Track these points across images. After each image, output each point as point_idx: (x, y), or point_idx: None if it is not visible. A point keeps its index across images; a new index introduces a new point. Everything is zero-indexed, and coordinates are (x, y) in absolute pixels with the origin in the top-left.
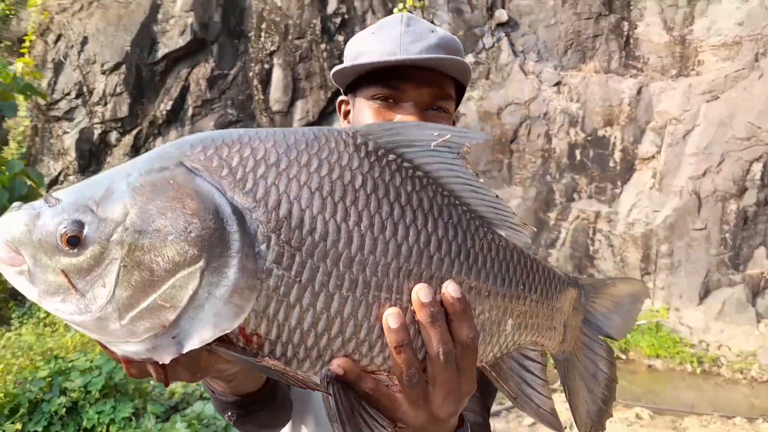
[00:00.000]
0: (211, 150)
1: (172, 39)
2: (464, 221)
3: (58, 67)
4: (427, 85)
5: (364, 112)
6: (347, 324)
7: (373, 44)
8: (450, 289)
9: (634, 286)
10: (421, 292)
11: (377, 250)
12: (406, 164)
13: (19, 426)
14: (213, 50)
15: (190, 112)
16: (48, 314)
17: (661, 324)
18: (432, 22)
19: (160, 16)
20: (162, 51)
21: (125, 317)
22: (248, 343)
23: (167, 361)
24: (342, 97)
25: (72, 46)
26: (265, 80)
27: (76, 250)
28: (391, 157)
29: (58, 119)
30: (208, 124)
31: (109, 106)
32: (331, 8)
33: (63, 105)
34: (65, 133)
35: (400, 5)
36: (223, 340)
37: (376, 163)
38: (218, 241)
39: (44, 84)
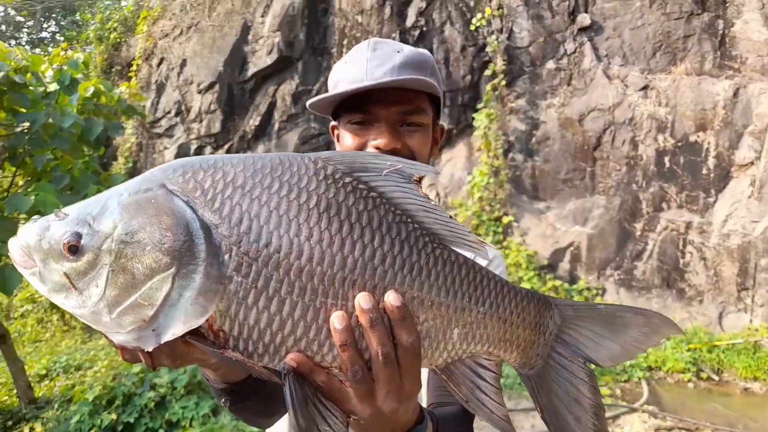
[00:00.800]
0: (189, 174)
1: (260, 58)
2: (412, 237)
3: (160, 88)
4: (395, 104)
5: (345, 136)
6: (298, 325)
7: (345, 73)
8: (390, 298)
9: (650, 319)
10: (361, 300)
11: (324, 262)
12: (361, 186)
13: (114, 416)
14: (298, 67)
15: (276, 126)
16: None
17: (760, 344)
18: (511, 30)
19: (250, 38)
20: (251, 70)
21: (114, 312)
22: (216, 337)
23: (150, 349)
24: (332, 123)
25: (172, 69)
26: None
27: (75, 257)
28: (348, 179)
29: (159, 136)
30: (292, 138)
31: (204, 122)
32: (410, 21)
33: (164, 123)
34: (166, 148)
35: (479, 15)
36: (197, 334)
37: (333, 185)
38: (187, 252)
39: (148, 104)
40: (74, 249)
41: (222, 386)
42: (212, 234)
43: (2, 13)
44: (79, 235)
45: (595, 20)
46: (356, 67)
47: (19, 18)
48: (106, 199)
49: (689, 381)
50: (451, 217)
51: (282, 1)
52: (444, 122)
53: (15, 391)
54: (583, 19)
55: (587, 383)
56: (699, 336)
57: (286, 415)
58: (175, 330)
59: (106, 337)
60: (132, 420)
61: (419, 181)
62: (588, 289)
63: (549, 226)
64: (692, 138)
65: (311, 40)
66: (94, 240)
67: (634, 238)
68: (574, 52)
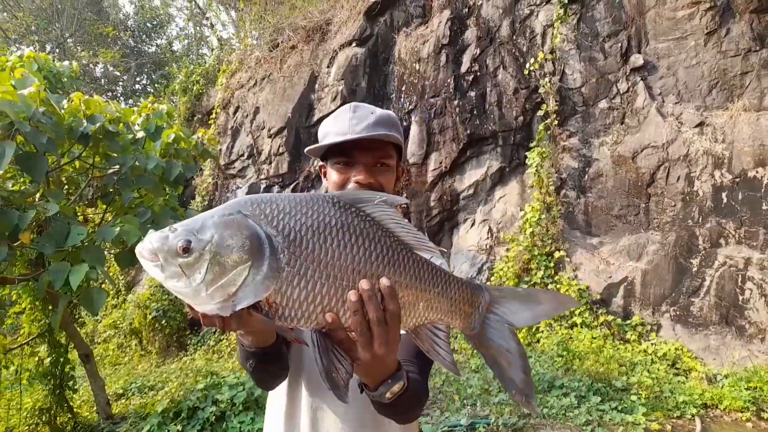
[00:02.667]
0: (255, 205)
1: (325, 105)
2: (394, 245)
3: (235, 134)
4: (370, 151)
5: (332, 173)
6: (324, 299)
7: (332, 127)
8: (383, 282)
9: (556, 297)
10: (363, 284)
11: (341, 259)
12: (361, 212)
13: (179, 428)
14: None
15: None
16: (216, 342)
17: None
18: (563, 72)
19: (316, 86)
20: (317, 115)
21: (209, 289)
22: (269, 308)
23: (227, 315)
24: (320, 163)
25: (247, 116)
26: (404, 136)
27: (186, 255)
28: (353, 209)
29: (233, 176)
30: None
31: (273, 164)
32: (464, 67)
33: (237, 164)
34: (238, 187)
35: (531, 60)
36: (257, 308)
37: (344, 212)
38: (258, 252)
39: (224, 148)
40: (186, 250)
41: (253, 349)
42: (272, 241)
43: (102, 69)
44: (189, 242)
45: (649, 60)
46: (341, 124)
47: (116, 73)
48: (202, 220)
49: (748, 420)
50: (418, 230)
51: (346, 53)
52: (497, 161)
53: (95, 407)
54: (636, 59)
55: (511, 337)
56: (759, 375)
57: (282, 410)
58: (248, 300)
59: (191, 309)
60: None
61: (399, 207)
62: (642, 324)
63: (602, 261)
64: (750, 174)
65: (372, 87)
66: (199, 244)
67: (691, 274)
68: (627, 91)
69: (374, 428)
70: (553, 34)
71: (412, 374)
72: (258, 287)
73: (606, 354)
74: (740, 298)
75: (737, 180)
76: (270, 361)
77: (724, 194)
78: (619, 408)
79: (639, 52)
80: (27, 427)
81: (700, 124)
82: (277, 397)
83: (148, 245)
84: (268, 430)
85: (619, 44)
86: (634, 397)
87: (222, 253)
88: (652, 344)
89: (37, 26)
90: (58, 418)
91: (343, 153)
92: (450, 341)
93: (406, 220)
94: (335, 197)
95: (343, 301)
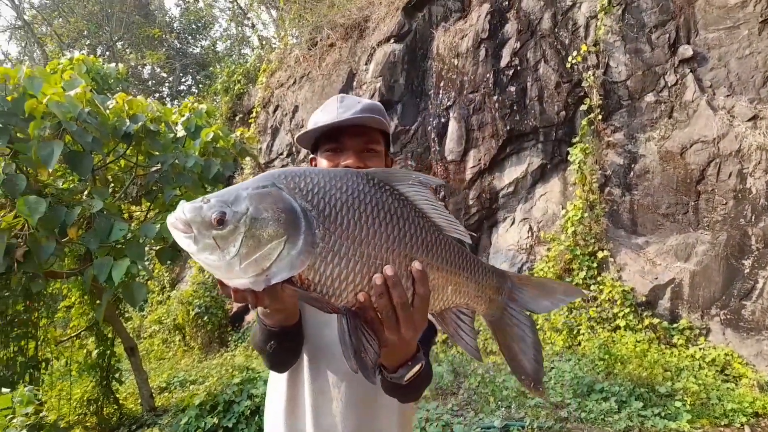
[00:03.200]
0: (289, 178)
1: None
2: (426, 226)
3: (275, 132)
4: (359, 137)
5: (321, 162)
6: (357, 276)
7: (320, 117)
8: (415, 265)
9: (564, 287)
10: (386, 269)
11: (375, 236)
12: (395, 192)
13: (216, 420)
14: (397, 109)
15: None
16: None
17: None
18: (608, 65)
19: (354, 84)
20: None
21: (243, 263)
22: (302, 284)
23: (260, 289)
24: (311, 156)
25: (286, 114)
26: (441, 132)
27: (221, 227)
28: (387, 187)
29: None
30: None
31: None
32: (504, 61)
33: (277, 163)
34: None
35: (574, 53)
36: (290, 282)
37: (378, 189)
38: (294, 226)
39: (264, 146)
40: (221, 222)
41: (277, 329)
42: (308, 216)
43: (150, 71)
44: (224, 213)
45: (698, 51)
46: (329, 113)
47: (162, 74)
48: (235, 192)
49: None
50: (449, 213)
51: (384, 49)
52: (538, 157)
53: (140, 399)
54: (685, 50)
55: (528, 326)
56: None
57: (283, 396)
58: (282, 275)
59: (222, 285)
60: (230, 425)
61: (434, 189)
62: (690, 328)
63: (648, 262)
64: None
65: (410, 84)
66: (235, 216)
67: (743, 276)
68: (676, 84)
69: (376, 410)
70: (596, 25)
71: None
72: (293, 262)
73: (650, 358)
74: None
75: None
76: (292, 339)
77: None
78: (663, 414)
79: (688, 43)
80: (76, 417)
81: (754, 118)
82: (278, 382)
83: (182, 215)
84: (270, 417)
85: (667, 35)
86: (678, 404)
87: (257, 226)
88: (699, 349)
89: (89, 30)
90: (104, 408)
91: (331, 139)
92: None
93: (441, 202)
94: (369, 174)
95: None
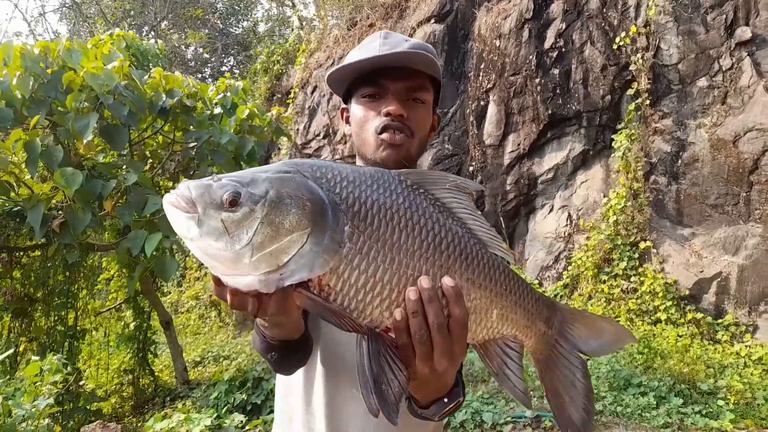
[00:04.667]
0: (315, 167)
1: None
2: (466, 236)
3: (312, 113)
4: (402, 79)
5: (356, 109)
6: (385, 287)
7: (359, 54)
8: (446, 280)
9: (617, 330)
10: (423, 281)
11: (408, 242)
12: (430, 196)
13: (245, 396)
14: None
15: None
16: None
17: None
18: (658, 47)
19: None
20: None
21: (255, 255)
22: (320, 290)
23: (271, 291)
24: (342, 106)
25: (323, 96)
26: (480, 116)
27: (234, 209)
28: (421, 190)
29: (309, 156)
30: (426, 158)
31: (348, 144)
32: (548, 43)
33: (313, 144)
34: None
35: (622, 34)
36: (305, 287)
37: (411, 192)
38: (320, 218)
39: (300, 127)
40: (234, 203)
41: (278, 343)
42: (336, 209)
43: (193, 52)
44: (238, 194)
45: (757, 33)
46: (369, 50)
47: (205, 55)
48: (252, 174)
49: None
50: (491, 227)
51: (424, 29)
52: (580, 143)
53: (174, 372)
54: (743, 32)
55: (581, 370)
56: None
57: (299, 397)
58: (301, 275)
59: (217, 283)
60: (259, 402)
61: (471, 193)
62: (736, 324)
63: (693, 254)
64: None
65: (450, 65)
66: (251, 198)
67: None
68: (731, 68)
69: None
70: (648, 5)
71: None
72: (314, 261)
73: (692, 354)
74: None
75: None
76: (297, 350)
77: None
78: (704, 412)
79: (746, 25)
80: (113, 386)
81: None
82: (291, 383)
83: (185, 192)
84: (283, 418)
85: (723, 16)
86: (721, 402)
87: (277, 212)
88: (746, 346)
89: (134, 10)
90: (140, 379)
91: (369, 81)
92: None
93: (479, 212)
94: (401, 174)
95: (405, 296)
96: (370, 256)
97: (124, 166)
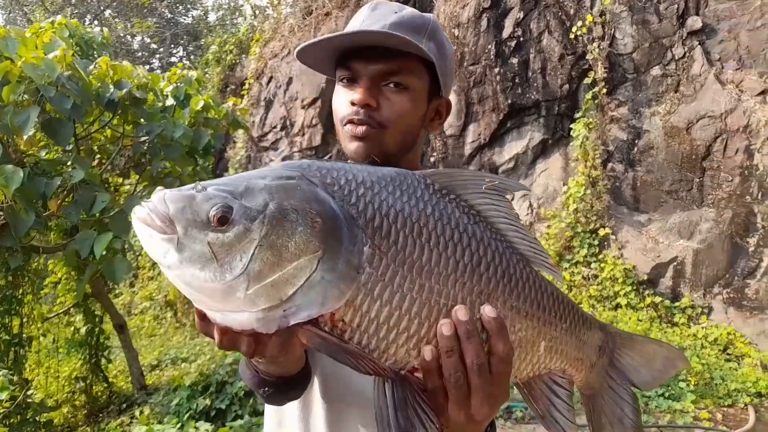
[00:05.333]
0: (324, 171)
1: None
2: (507, 253)
3: (269, 105)
4: (375, 61)
5: (334, 96)
6: (413, 322)
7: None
8: (486, 310)
9: (670, 353)
10: (459, 312)
11: (440, 263)
12: (462, 203)
13: (208, 401)
14: None
15: None
16: None
17: None
18: (614, 37)
19: None
20: None
21: (251, 288)
22: (333, 326)
23: (272, 331)
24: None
25: (280, 86)
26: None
27: (224, 228)
28: (452, 196)
29: (266, 149)
30: None
31: (306, 136)
32: (506, 32)
33: (270, 136)
34: (271, 160)
35: (579, 23)
36: (315, 325)
37: (441, 199)
38: (334, 238)
39: (257, 119)
40: (224, 220)
41: (274, 380)
42: (353, 225)
43: (140, 42)
44: (230, 208)
45: (708, 23)
46: (351, 26)
47: (153, 45)
48: (246, 181)
49: None
50: (535, 238)
51: None
52: (539, 132)
53: (130, 377)
54: (694, 22)
55: (631, 405)
56: None
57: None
58: (310, 311)
59: (202, 320)
60: (223, 406)
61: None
62: (692, 307)
63: (650, 240)
64: None
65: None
66: (246, 214)
67: (747, 254)
68: (683, 57)
69: None
70: None
71: None
72: (327, 292)
73: (652, 337)
74: None
75: None
76: (296, 385)
77: None
78: (666, 395)
79: (697, 14)
80: (64, 395)
81: (763, 92)
82: (284, 413)
83: (161, 206)
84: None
85: (675, 5)
86: (682, 384)
87: (280, 232)
88: (702, 328)
89: None
90: (94, 387)
91: (344, 64)
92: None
93: (522, 222)
94: (426, 177)
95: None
96: (394, 282)
97: (69, 163)
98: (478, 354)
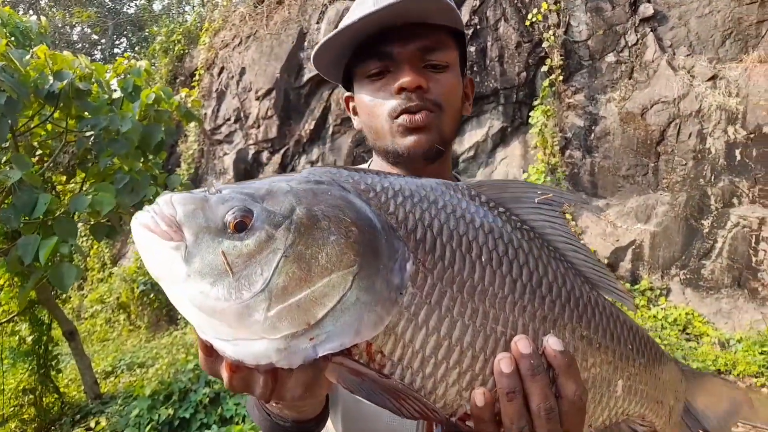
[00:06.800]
0: (356, 177)
1: None
2: (571, 274)
3: (221, 97)
4: (413, 40)
5: (362, 98)
6: (465, 354)
7: (350, 15)
8: (551, 342)
9: (736, 394)
10: (521, 343)
11: (496, 283)
12: (514, 217)
13: (171, 411)
14: None
15: (330, 130)
16: None
17: None
18: (569, 24)
19: (305, 44)
20: (307, 75)
21: (273, 309)
22: (371, 360)
23: (295, 365)
24: (347, 94)
25: (232, 77)
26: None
27: (242, 235)
28: (501, 209)
29: (220, 142)
30: (346, 141)
31: (262, 128)
32: (463, 20)
33: (224, 129)
34: (225, 154)
35: (534, 10)
36: (347, 356)
37: (490, 211)
38: (371, 251)
39: (209, 112)
40: (242, 226)
41: (289, 424)
42: (392, 237)
43: (79, 32)
44: (249, 212)
45: (659, 10)
46: (362, 11)
47: (94, 36)
48: (268, 184)
49: (762, 386)
50: (599, 260)
51: (336, 7)
52: (498, 120)
53: (83, 386)
54: (646, 9)
55: None
56: None
57: None
58: (342, 340)
59: (205, 352)
60: (188, 415)
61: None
62: (651, 289)
63: (609, 224)
64: (766, 129)
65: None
66: (269, 219)
67: (702, 236)
68: (636, 43)
69: None
70: None
71: None
72: (363, 316)
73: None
74: (753, 259)
75: (751, 136)
76: (314, 429)
77: (737, 151)
78: None
79: (648, 1)
80: (11, 409)
81: (713, 78)
82: None
83: (167, 209)
84: None
85: None
86: None
87: (310, 242)
88: (661, 309)
89: None
90: (44, 398)
91: (373, 52)
92: None
93: (582, 241)
94: (472, 188)
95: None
96: (442, 305)
97: (3, 159)
98: (545, 396)
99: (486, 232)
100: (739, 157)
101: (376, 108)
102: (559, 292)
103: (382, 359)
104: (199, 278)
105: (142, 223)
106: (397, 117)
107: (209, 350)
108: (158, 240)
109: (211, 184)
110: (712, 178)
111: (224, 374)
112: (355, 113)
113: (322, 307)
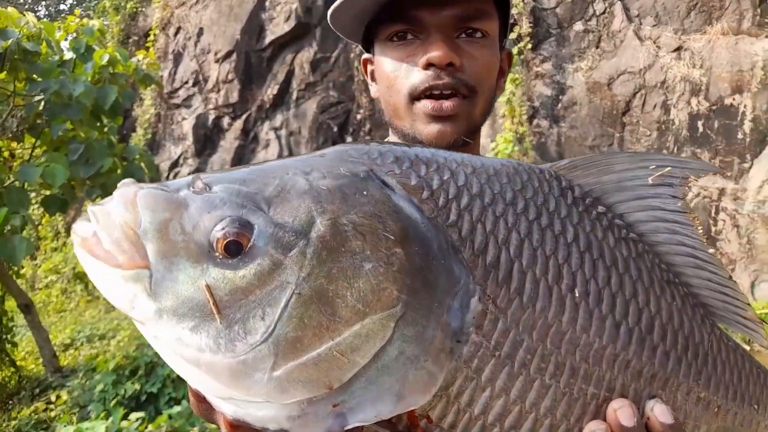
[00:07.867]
0: (406, 164)
1: (278, 25)
2: (688, 307)
3: (178, 58)
4: (449, 5)
5: (383, 62)
6: (542, 423)
7: None
8: (657, 412)
9: None
10: (621, 412)
11: (592, 329)
12: (617, 221)
13: (138, 386)
14: (316, 34)
15: (294, 95)
16: None
17: None
18: None
19: (267, 4)
20: (269, 38)
21: (281, 367)
22: (413, 427)
23: None
24: (365, 56)
25: (189, 38)
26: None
27: (235, 261)
28: (600, 209)
29: (177, 107)
30: (311, 107)
31: (222, 92)
32: None
33: (182, 93)
34: (184, 119)
35: None
36: (387, 427)
37: (586, 215)
38: (423, 285)
39: (165, 74)
40: (235, 249)
41: None
42: (452, 261)
43: None
44: (248, 227)
45: None
46: None
47: None
48: (282, 175)
49: None
50: (729, 276)
51: None
52: None
53: (41, 360)
54: None
55: None
56: None
57: None
58: (378, 410)
59: (199, 402)
60: (155, 390)
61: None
62: None
63: None
64: (728, 101)
65: (330, 5)
66: (275, 238)
67: None
68: (604, 12)
69: None
70: None
71: None
72: (410, 375)
73: None
74: (713, 229)
75: (714, 108)
76: None
77: (700, 123)
78: None
79: None
80: None
81: (678, 49)
82: None
83: (125, 216)
84: None
85: None
86: None
87: (335, 272)
88: None
89: None
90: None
91: (397, 16)
92: None
93: (702, 238)
94: (560, 174)
95: None
96: (515, 360)
97: None
98: None
99: (581, 250)
100: (701, 129)
101: (397, 80)
102: (674, 339)
103: (428, 426)
104: (174, 320)
105: (82, 239)
106: (419, 98)
107: (202, 398)
108: (106, 268)
109: (197, 177)
110: (675, 149)
111: (222, 429)
112: (373, 78)
113: (350, 365)
